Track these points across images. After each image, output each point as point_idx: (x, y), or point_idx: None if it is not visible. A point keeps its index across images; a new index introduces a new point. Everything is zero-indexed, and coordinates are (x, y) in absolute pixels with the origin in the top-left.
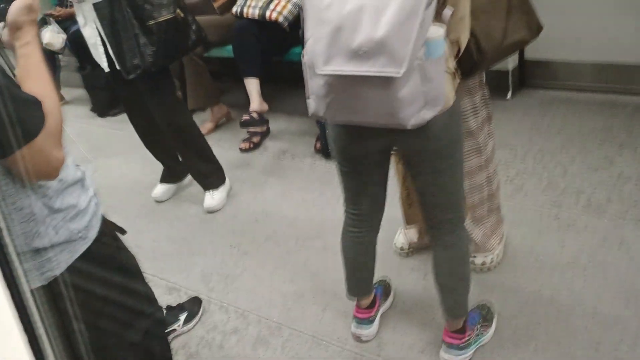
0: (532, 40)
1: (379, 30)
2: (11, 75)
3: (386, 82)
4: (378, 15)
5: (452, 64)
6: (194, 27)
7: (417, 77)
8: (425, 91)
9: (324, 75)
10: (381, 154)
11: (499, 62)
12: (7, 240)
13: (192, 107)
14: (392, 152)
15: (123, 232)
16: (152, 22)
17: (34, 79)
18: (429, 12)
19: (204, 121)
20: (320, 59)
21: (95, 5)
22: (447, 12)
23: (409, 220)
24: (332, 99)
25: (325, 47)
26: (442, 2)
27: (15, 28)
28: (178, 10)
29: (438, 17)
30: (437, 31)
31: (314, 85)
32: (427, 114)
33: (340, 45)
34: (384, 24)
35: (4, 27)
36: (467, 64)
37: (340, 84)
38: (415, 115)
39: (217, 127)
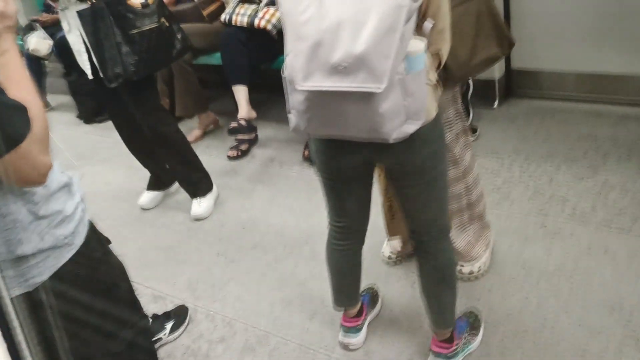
0: (504, 56)
1: (358, 46)
2: None
3: (367, 97)
4: (357, 30)
5: (433, 76)
6: (179, 36)
7: (398, 91)
8: (407, 105)
9: (304, 91)
10: (364, 167)
11: (471, 78)
12: None
13: (180, 114)
14: (375, 165)
15: (108, 241)
16: (135, 31)
17: (16, 86)
18: (409, 26)
19: (191, 129)
20: (300, 75)
21: (79, 12)
22: (428, 25)
23: (391, 232)
24: (313, 114)
25: (304, 62)
26: (422, 15)
27: None
28: (163, 19)
29: (419, 30)
30: (417, 45)
31: (294, 101)
32: (410, 128)
33: (319, 61)
34: (363, 39)
35: None
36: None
37: (320, 100)
38: (397, 129)
39: (205, 134)
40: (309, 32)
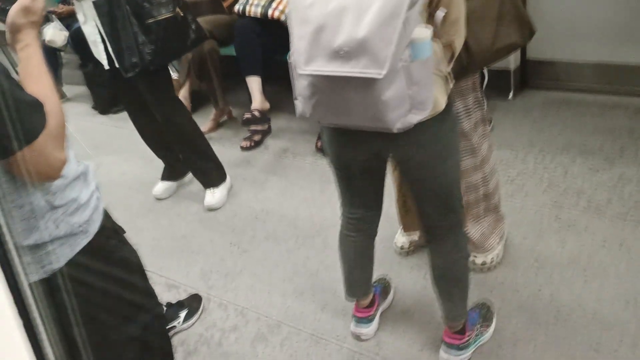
0: (525, 44)
1: (360, 31)
2: (15, 73)
3: (369, 83)
4: (360, 15)
5: (444, 67)
6: (193, 26)
7: (402, 79)
8: (412, 94)
9: (308, 76)
10: (375, 160)
11: (491, 65)
12: (7, 237)
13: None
14: (387, 158)
15: (122, 231)
16: (151, 20)
17: (35, 81)
18: (413, 12)
19: (205, 120)
20: (302, 59)
21: (95, 3)
22: (440, 14)
23: (405, 228)
24: (317, 100)
25: (307, 46)
26: (435, 4)
27: (15, 31)
28: (177, 9)
29: (431, 19)
30: (423, 32)
31: (299, 86)
32: (414, 118)
33: (321, 45)
34: (365, 24)
35: None
36: (456, 66)
37: (323, 85)
38: (401, 118)
39: (218, 125)
40: (313, 16)
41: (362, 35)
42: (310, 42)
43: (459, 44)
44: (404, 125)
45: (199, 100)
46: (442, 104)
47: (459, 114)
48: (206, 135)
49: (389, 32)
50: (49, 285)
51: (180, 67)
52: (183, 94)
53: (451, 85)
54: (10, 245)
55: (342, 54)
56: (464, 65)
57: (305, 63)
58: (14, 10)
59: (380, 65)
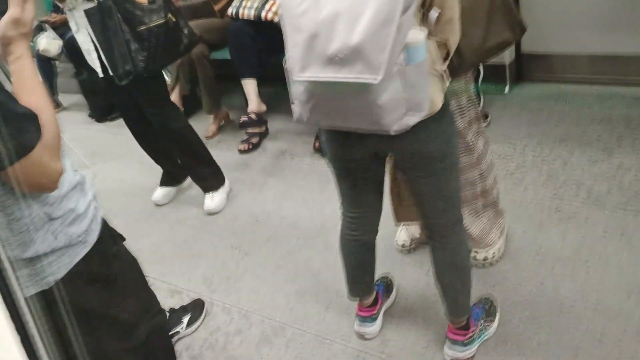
0: (516, 41)
1: (354, 37)
2: (9, 84)
3: (365, 88)
4: (353, 21)
5: (440, 66)
6: (185, 31)
7: (398, 83)
8: (408, 97)
9: (303, 82)
10: (374, 158)
11: (483, 63)
12: (3, 251)
13: (206, 111)
14: (386, 156)
15: (122, 238)
16: (143, 27)
17: (28, 92)
18: (407, 17)
19: (206, 124)
20: (297, 66)
21: (86, 11)
22: (433, 14)
23: (399, 217)
24: (314, 104)
25: (301, 53)
26: (428, 4)
27: (5, 43)
28: (169, 15)
29: (425, 19)
30: (417, 36)
31: (295, 91)
32: (411, 120)
33: (316, 52)
34: (359, 30)
35: None
36: (448, 67)
37: (319, 91)
38: (398, 121)
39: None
40: (305, 24)
41: (357, 42)
42: (305, 50)
43: (453, 43)
44: (401, 127)
45: (195, 105)
46: (438, 103)
47: (453, 113)
48: (208, 140)
49: (383, 38)
50: (48, 297)
51: (170, 71)
52: (173, 99)
53: (447, 84)
54: (6, 260)
55: (337, 61)
56: (455, 66)
57: (301, 70)
58: (3, 22)
59: (376, 70)
